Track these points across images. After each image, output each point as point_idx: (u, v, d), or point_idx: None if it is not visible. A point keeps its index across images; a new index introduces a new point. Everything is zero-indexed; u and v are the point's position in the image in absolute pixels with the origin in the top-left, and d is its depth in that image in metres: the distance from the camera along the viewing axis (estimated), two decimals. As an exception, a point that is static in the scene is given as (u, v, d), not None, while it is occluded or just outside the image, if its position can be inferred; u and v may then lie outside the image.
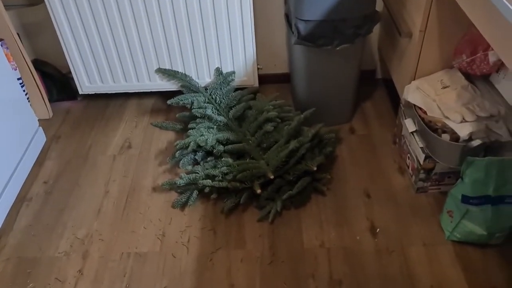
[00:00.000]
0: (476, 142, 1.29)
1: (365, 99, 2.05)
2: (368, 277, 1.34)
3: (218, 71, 1.91)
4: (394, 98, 1.98)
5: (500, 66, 1.41)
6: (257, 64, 1.93)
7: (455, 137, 1.35)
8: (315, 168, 1.54)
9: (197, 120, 1.78)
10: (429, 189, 1.57)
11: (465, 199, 1.30)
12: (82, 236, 1.51)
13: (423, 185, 1.55)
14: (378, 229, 1.48)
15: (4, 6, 1.71)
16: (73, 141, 1.90)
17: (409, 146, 1.59)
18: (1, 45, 1.65)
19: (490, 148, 1.33)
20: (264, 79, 2.07)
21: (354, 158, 1.75)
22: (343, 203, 1.57)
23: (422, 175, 1.52)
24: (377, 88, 2.12)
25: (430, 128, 1.41)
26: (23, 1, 1.81)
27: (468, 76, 1.48)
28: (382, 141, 1.82)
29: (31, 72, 1.87)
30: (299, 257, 1.41)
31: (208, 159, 1.67)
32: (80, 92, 1.99)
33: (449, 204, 1.41)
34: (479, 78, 1.47)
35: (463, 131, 1.31)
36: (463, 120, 1.33)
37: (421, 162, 1.49)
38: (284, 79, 2.10)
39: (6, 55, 1.68)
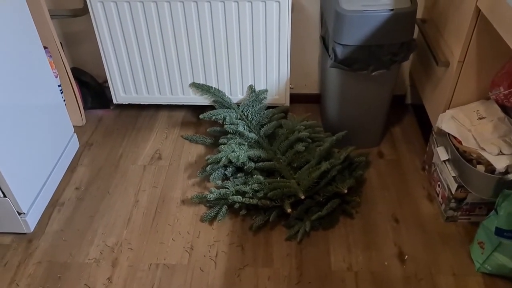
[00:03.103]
0: (511, 176, 1.29)
1: (394, 124, 2.05)
2: (396, 304, 1.34)
3: (251, 89, 1.94)
4: (424, 125, 1.98)
5: (538, 100, 1.41)
6: (290, 84, 1.95)
7: (490, 169, 1.35)
8: (345, 191, 1.54)
9: (228, 136, 1.81)
10: (459, 218, 1.56)
11: (499, 232, 1.29)
12: (112, 244, 1.54)
13: (453, 214, 1.55)
14: (406, 256, 1.47)
15: (50, 15, 1.77)
16: (104, 149, 1.94)
17: (440, 174, 1.59)
18: (46, 53, 1.71)
19: (525, 181, 1.33)
20: (294, 98, 2.10)
21: (383, 182, 1.75)
22: (371, 227, 1.58)
23: (452, 204, 1.52)
24: (406, 113, 2.12)
25: (464, 158, 1.41)
26: (68, 12, 1.87)
27: (505, 109, 1.48)
28: (410, 166, 1.82)
29: (70, 80, 1.92)
30: (326, 279, 1.41)
31: (238, 175, 1.69)
32: (114, 102, 2.03)
33: (480, 235, 1.40)
34: (517, 111, 1.48)
35: (500, 163, 1.31)
36: (500, 153, 1.33)
37: (453, 191, 1.48)
38: (314, 99, 2.13)
39: (49, 63, 1.74)
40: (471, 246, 1.46)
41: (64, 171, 1.80)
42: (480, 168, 1.36)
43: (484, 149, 1.36)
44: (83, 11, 1.86)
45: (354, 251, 1.50)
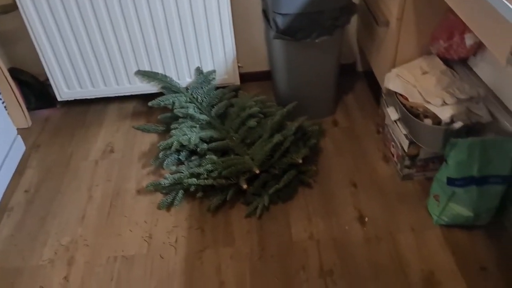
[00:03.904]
0: (458, 124, 1.29)
1: (347, 92, 2.05)
2: (359, 266, 1.33)
3: (199, 71, 1.90)
4: (376, 90, 1.98)
5: (477, 49, 1.43)
6: (238, 63, 1.92)
7: (437, 122, 1.36)
8: (300, 161, 1.53)
9: (180, 120, 1.76)
10: (414, 175, 1.57)
11: (451, 182, 1.30)
12: (67, 242, 1.48)
13: (409, 172, 1.56)
14: (366, 218, 1.47)
15: (-24, 13, 1.67)
16: (53, 149, 1.87)
17: (392, 134, 1.60)
18: (-26, 53, 1.62)
19: (471, 130, 1.34)
20: (245, 77, 2.06)
21: (339, 149, 1.75)
22: (330, 194, 1.57)
23: (407, 162, 1.53)
24: (358, 81, 2.13)
25: (412, 114, 1.41)
26: (-5, 8, 1.78)
27: (447, 61, 1.49)
28: (365, 132, 1.82)
29: (8, 81, 1.83)
30: (289, 251, 1.39)
31: (192, 158, 1.65)
32: (59, 99, 1.95)
33: (435, 188, 1.41)
34: (457, 62, 1.49)
35: (445, 114, 1.31)
36: (444, 103, 1.34)
37: (406, 149, 1.49)
38: (266, 76, 2.10)
39: (-21, 63, 1.65)
40: (428, 201, 1.47)
41: (11, 175, 1.72)
42: (427, 121, 1.36)
43: (429, 102, 1.36)
44: (12, 6, 1.76)
45: (315, 220, 1.48)
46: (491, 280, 1.27)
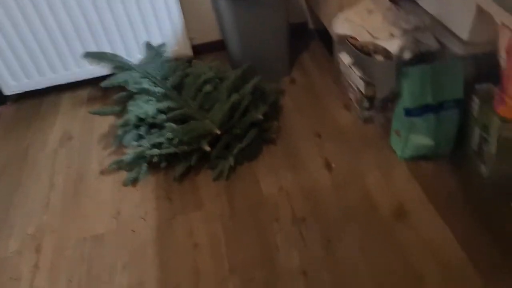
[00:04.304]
0: (407, 54, 1.30)
1: (301, 51, 2.05)
2: (330, 210, 1.34)
3: (149, 46, 1.85)
4: (329, 45, 1.98)
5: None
6: (190, 34, 1.88)
7: (388, 56, 1.36)
8: (260, 116, 1.51)
9: (135, 97, 1.72)
10: (375, 117, 1.58)
11: (408, 112, 1.31)
12: (33, 231, 1.43)
13: (369, 114, 1.57)
14: (333, 165, 1.48)
15: None
16: (8, 145, 1.80)
17: (349, 80, 1.60)
18: None
19: (422, 60, 1.35)
20: (199, 49, 2.03)
21: (299, 105, 1.74)
22: (295, 147, 1.56)
23: (366, 104, 1.53)
24: (311, 39, 2.12)
25: (363, 53, 1.41)
26: None
27: (391, -2, 1.50)
28: (323, 85, 1.82)
29: (-51, 79, 1.75)
30: (260, 206, 1.39)
31: (152, 131, 1.62)
32: (7, 93, 1.88)
33: (395, 124, 1.42)
34: (401, -2, 1.49)
35: (393, 46, 1.32)
36: (392, 36, 1.34)
37: (363, 91, 1.50)
38: (220, 46, 2.07)
39: None
40: (390, 138, 1.48)
41: (-34, 175, 1.65)
42: (378, 57, 1.37)
43: (377, 38, 1.36)
44: None
45: (283, 173, 1.48)
46: (459, 203, 1.29)
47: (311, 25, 2.15)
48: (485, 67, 1.22)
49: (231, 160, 1.48)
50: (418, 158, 1.42)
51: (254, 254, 1.25)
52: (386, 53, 1.35)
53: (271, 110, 1.63)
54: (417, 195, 1.33)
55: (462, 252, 1.16)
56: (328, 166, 1.48)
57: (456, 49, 1.28)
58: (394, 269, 1.16)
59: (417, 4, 1.45)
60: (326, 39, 2.02)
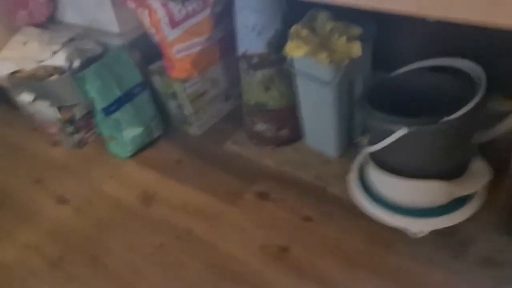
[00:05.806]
0: (76, 63, 1.35)
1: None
2: (84, 232, 1.27)
3: None
4: (5, 98, 1.86)
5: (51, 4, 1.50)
6: None
7: (62, 72, 1.37)
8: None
9: None
10: (87, 138, 1.56)
11: (107, 111, 1.36)
12: None
13: (78, 137, 1.54)
14: (67, 196, 1.40)
15: None
16: None
17: (42, 116, 1.53)
18: None
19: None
20: None
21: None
22: (18, 203, 1.41)
23: (70, 129, 1.50)
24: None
25: (38, 80, 1.38)
26: None
27: (39, 25, 1.52)
28: (19, 136, 1.70)
29: None
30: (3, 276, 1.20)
31: None
32: None
33: (104, 131, 1.45)
34: (48, 22, 1.53)
35: (60, 59, 1.35)
36: (55, 53, 1.37)
37: (60, 117, 1.46)
38: None
39: None
40: (107, 148, 1.49)
41: None
42: (54, 77, 1.37)
43: (43, 60, 1.37)
44: None
45: (20, 231, 1.32)
46: (188, 165, 1.42)
47: None
48: (152, 47, 1.36)
49: None
50: (141, 151, 1.49)
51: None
52: (58, 70, 1.37)
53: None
54: (153, 178, 1.39)
55: (207, 196, 1.29)
56: (62, 200, 1.39)
57: (116, 41, 1.40)
58: (161, 243, 1.19)
59: (64, 22, 1.53)
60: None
